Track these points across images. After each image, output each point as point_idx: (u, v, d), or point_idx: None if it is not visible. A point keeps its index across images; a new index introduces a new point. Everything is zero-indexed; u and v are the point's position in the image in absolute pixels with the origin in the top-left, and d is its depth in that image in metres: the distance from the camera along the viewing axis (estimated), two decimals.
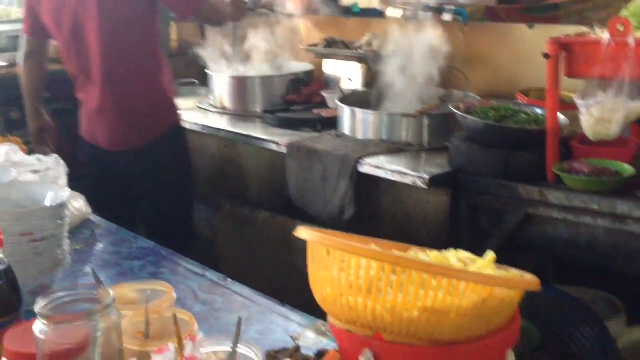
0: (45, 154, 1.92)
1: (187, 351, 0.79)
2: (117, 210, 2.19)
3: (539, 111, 2.14)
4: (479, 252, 1.04)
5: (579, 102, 1.82)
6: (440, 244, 1.24)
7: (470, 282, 0.85)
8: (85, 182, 2.28)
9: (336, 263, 0.91)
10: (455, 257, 1.02)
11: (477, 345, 0.89)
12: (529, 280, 0.91)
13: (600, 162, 1.89)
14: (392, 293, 0.87)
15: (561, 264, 2.20)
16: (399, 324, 0.87)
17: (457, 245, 1.08)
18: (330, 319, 0.96)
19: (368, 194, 2.27)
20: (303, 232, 0.93)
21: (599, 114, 1.80)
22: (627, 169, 1.86)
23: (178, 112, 2.51)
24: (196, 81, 3.52)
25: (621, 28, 1.71)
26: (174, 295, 1.11)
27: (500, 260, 1.02)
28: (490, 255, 1.03)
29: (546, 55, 1.84)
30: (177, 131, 2.50)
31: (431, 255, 1.03)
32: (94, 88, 2.35)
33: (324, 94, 2.85)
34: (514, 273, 0.97)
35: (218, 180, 2.91)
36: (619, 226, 1.79)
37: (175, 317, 0.89)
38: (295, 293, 1.45)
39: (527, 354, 1.85)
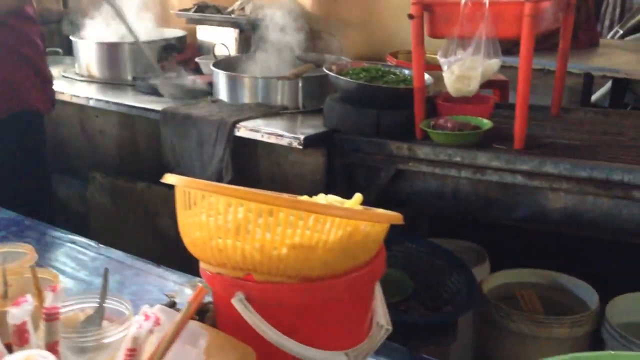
0: None
1: (48, 302, 0.75)
2: None
3: (406, 72, 2.24)
4: None
5: (441, 59, 1.91)
6: None
7: (335, 217, 0.87)
8: None
9: (204, 210, 0.90)
10: (324, 200, 1.05)
11: (345, 279, 0.92)
12: (391, 215, 0.95)
13: (462, 118, 2.01)
14: (261, 232, 0.88)
15: (433, 218, 2.33)
16: (269, 263, 0.88)
17: None
18: (201, 264, 0.95)
19: (245, 157, 2.26)
20: (170, 178, 0.91)
21: (459, 71, 1.91)
22: (486, 123, 1.99)
23: (25, 99, 2.20)
24: (60, 50, 3.31)
25: None
26: (35, 255, 1.05)
27: None
28: (357, 196, 1.06)
29: (410, 16, 1.91)
30: (23, 119, 2.21)
31: (300, 199, 1.05)
32: None
33: (198, 60, 2.79)
34: (378, 210, 1.00)
35: (89, 152, 2.77)
36: (479, 176, 1.92)
37: (32, 268, 0.84)
38: (174, 262, 1.43)
39: (401, 302, 1.95)
